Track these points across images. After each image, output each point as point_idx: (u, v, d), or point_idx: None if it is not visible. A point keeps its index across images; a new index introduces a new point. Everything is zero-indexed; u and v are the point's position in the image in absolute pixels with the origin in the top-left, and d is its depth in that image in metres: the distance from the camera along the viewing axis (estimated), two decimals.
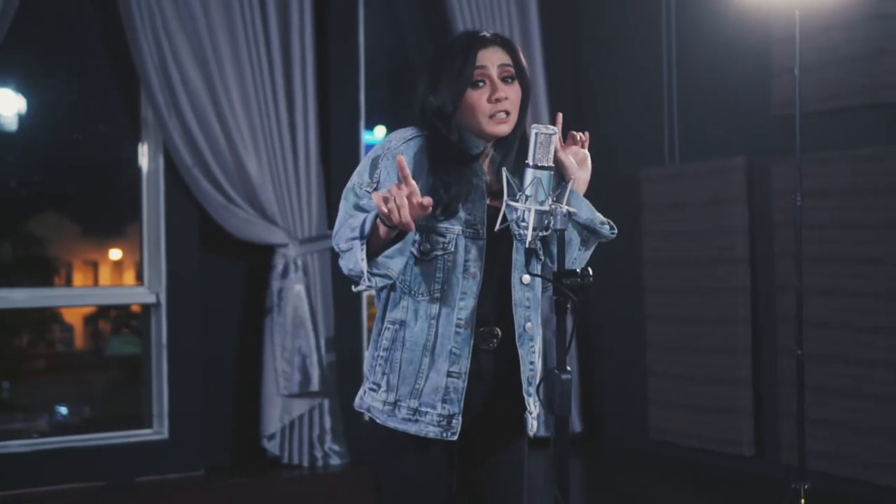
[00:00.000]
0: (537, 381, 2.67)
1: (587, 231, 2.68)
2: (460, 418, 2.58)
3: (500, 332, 2.63)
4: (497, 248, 2.61)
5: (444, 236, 2.58)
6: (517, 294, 2.63)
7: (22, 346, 6.74)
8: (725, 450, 5.99)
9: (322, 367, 6.14)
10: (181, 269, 6.08)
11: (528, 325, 2.64)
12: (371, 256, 2.49)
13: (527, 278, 2.63)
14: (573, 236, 2.66)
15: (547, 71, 6.86)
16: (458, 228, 2.58)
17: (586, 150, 2.75)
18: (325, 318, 6.25)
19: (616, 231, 2.72)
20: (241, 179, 6.03)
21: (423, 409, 2.58)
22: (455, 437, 2.59)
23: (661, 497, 5.76)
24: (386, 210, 2.38)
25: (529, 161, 2.51)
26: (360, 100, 6.57)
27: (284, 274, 6.12)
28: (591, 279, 2.50)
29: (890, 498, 5.17)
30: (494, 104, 2.60)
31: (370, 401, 2.64)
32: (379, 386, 2.62)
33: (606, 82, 6.90)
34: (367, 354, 2.73)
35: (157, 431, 6.09)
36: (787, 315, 5.63)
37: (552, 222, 2.50)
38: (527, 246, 2.52)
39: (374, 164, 2.64)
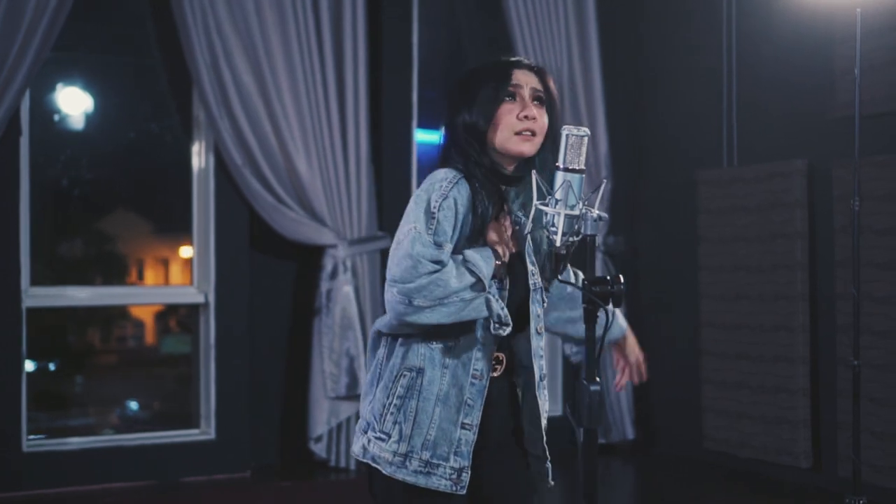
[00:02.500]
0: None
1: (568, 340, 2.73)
2: (469, 472, 2.53)
3: (504, 363, 2.62)
4: (520, 297, 2.57)
5: None
6: (535, 344, 2.58)
7: (93, 342, 6.78)
8: (781, 461, 5.83)
9: None
10: (230, 269, 6.06)
11: (543, 372, 2.60)
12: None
13: (541, 327, 2.59)
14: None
15: (604, 72, 6.75)
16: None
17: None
18: (373, 319, 6.19)
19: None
20: (291, 179, 6.00)
21: (436, 461, 2.51)
22: (464, 492, 2.53)
23: None
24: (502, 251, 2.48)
25: (560, 164, 2.43)
26: (413, 100, 6.50)
27: (333, 275, 6.07)
28: (623, 287, 2.40)
29: None
30: (522, 121, 2.57)
31: (377, 451, 2.53)
32: (388, 435, 2.52)
33: (665, 83, 6.77)
34: (370, 400, 2.59)
35: (205, 432, 6.08)
36: (847, 323, 5.47)
37: (582, 227, 2.41)
38: (554, 251, 2.44)
39: (430, 214, 2.47)
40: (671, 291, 6.43)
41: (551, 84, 2.65)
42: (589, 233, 2.39)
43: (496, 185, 2.59)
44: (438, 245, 2.44)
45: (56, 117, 6.16)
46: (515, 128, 2.57)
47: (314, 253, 6.11)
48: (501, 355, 2.59)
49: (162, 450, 5.94)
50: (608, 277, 2.41)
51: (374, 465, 2.54)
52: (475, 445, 2.54)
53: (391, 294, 2.44)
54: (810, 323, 5.74)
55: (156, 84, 6.34)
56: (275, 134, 5.95)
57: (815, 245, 5.75)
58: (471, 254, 2.47)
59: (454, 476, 2.52)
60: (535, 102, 2.60)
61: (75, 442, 5.84)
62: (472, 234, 2.52)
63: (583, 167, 2.44)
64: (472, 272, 2.45)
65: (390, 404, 2.53)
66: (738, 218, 6.07)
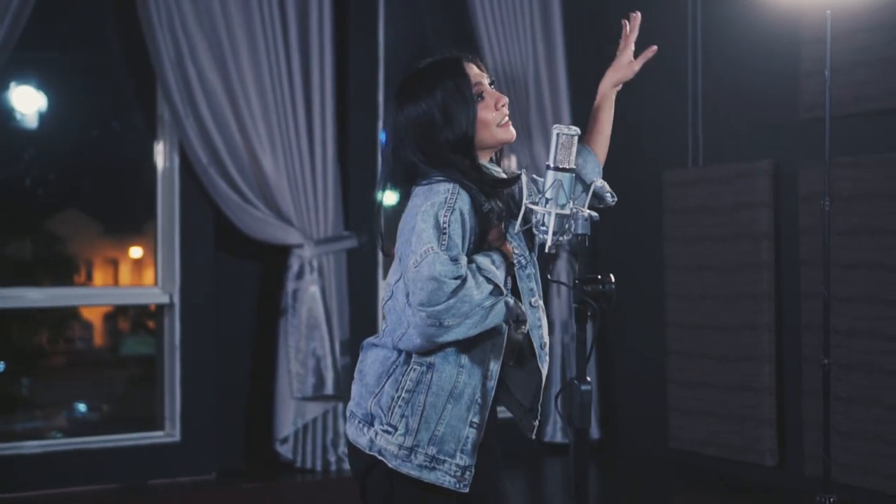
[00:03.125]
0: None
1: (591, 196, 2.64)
2: (473, 470, 2.53)
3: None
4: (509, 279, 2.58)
5: None
6: (530, 318, 2.57)
7: (41, 344, 6.69)
8: (747, 459, 5.87)
9: (337, 370, 6.06)
10: (195, 270, 6.01)
11: (545, 341, 2.62)
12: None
13: (535, 301, 2.59)
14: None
15: (570, 70, 6.76)
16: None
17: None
18: (339, 320, 6.17)
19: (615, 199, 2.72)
20: (257, 179, 5.95)
21: (442, 457, 2.51)
22: (467, 490, 2.53)
23: None
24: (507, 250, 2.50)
25: (550, 163, 2.43)
26: (379, 99, 6.47)
27: (299, 275, 6.03)
28: (613, 286, 2.41)
29: None
30: (500, 110, 2.62)
31: (383, 443, 2.52)
32: (395, 428, 2.51)
33: (630, 83, 6.76)
34: (376, 392, 2.56)
35: (170, 434, 6.02)
36: (812, 323, 5.52)
37: (573, 226, 2.40)
38: (545, 251, 2.44)
39: (441, 230, 2.44)
40: (637, 291, 6.45)
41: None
42: (580, 232, 2.39)
43: (492, 188, 2.56)
44: (454, 260, 2.41)
45: (14, 116, 6.08)
46: (497, 120, 2.61)
47: (280, 253, 6.07)
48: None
49: (126, 452, 5.87)
50: (599, 276, 2.41)
51: (379, 457, 2.52)
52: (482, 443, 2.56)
53: (420, 318, 2.39)
54: (775, 322, 5.78)
55: (117, 82, 6.27)
56: (240, 132, 5.90)
57: (780, 245, 5.80)
58: (482, 260, 2.46)
59: (458, 473, 2.51)
60: (493, 87, 2.66)
61: (34, 445, 5.75)
62: (479, 240, 2.52)
63: (573, 166, 2.44)
64: (488, 280, 2.44)
65: (399, 397, 2.52)
66: (704, 218, 6.11)
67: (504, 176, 2.62)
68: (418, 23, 6.98)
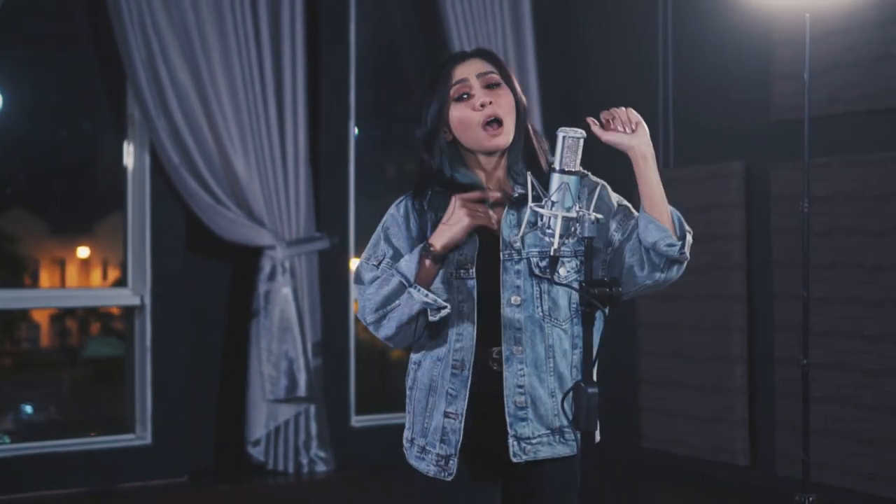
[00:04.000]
0: (542, 404, 2.55)
1: (652, 253, 2.58)
2: (456, 460, 2.54)
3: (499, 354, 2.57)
4: (488, 273, 2.54)
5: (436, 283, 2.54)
6: (505, 316, 2.53)
7: None
8: (719, 459, 5.91)
9: (309, 371, 6.02)
10: (166, 271, 5.95)
11: (517, 348, 2.53)
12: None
13: (516, 299, 2.53)
14: (630, 259, 2.58)
15: (540, 72, 6.77)
16: (448, 272, 2.53)
17: (635, 116, 2.74)
18: (312, 321, 6.13)
19: (685, 253, 2.63)
20: (229, 179, 5.90)
21: (428, 447, 2.59)
22: (451, 478, 2.55)
23: None
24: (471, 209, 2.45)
25: (556, 165, 2.41)
26: (351, 99, 6.45)
27: (271, 276, 5.99)
28: (620, 289, 2.40)
29: None
30: (481, 110, 2.53)
31: (415, 456, 2.65)
32: (406, 425, 2.68)
33: (601, 84, 6.81)
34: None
35: (141, 436, 5.95)
36: (784, 323, 5.56)
37: (579, 229, 2.39)
38: (551, 254, 2.41)
39: (377, 238, 2.63)
40: None
41: (503, 63, 2.62)
42: (587, 235, 2.38)
43: (452, 190, 2.56)
44: (376, 266, 2.58)
45: None
46: (479, 120, 2.53)
47: (252, 254, 6.02)
48: (498, 349, 2.54)
49: (96, 456, 5.80)
50: (606, 279, 2.40)
51: (418, 469, 2.64)
52: (466, 436, 2.53)
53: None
54: (748, 323, 5.82)
55: (86, 80, 6.19)
56: (212, 133, 5.85)
57: (752, 246, 5.84)
58: (400, 260, 2.54)
59: (441, 462, 2.56)
60: (490, 86, 2.56)
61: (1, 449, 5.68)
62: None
63: (580, 169, 2.43)
64: (395, 273, 2.51)
65: (406, 396, 2.67)
66: None
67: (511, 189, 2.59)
68: (390, 23, 6.96)
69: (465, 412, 2.53)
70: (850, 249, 5.26)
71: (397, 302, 2.49)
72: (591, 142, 2.52)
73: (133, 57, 5.66)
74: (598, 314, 2.38)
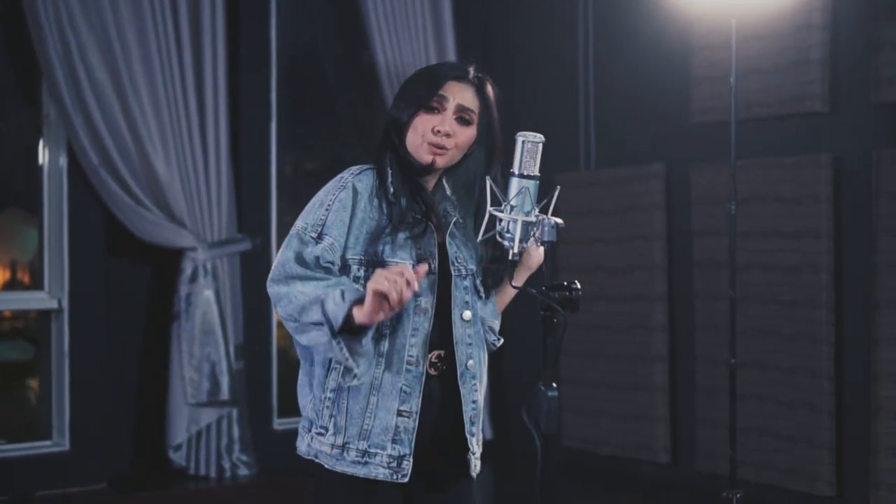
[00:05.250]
0: (480, 420, 2.62)
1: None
2: (411, 459, 2.50)
3: (443, 365, 2.56)
4: (443, 283, 2.55)
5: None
6: (458, 331, 2.56)
7: None
8: (641, 457, 6.00)
9: (231, 374, 5.96)
10: (85, 274, 5.82)
11: (471, 362, 2.57)
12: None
13: (468, 315, 2.57)
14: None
15: None
16: (407, 263, 2.48)
17: None
18: (234, 324, 6.07)
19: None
20: (149, 180, 5.81)
21: (373, 450, 2.50)
22: (405, 479, 2.51)
23: None
24: (385, 289, 2.27)
25: (515, 170, 2.44)
26: (272, 99, 6.39)
27: (193, 279, 5.91)
28: (580, 292, 2.43)
29: (807, 503, 5.24)
30: (435, 135, 2.54)
31: (318, 446, 2.53)
32: (326, 429, 2.52)
33: (522, 85, 6.86)
34: (306, 397, 2.58)
35: (58, 443, 5.82)
36: (704, 323, 5.67)
37: (538, 234, 2.41)
38: (510, 259, 2.44)
39: (321, 207, 2.51)
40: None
41: (491, 96, 2.63)
42: (547, 239, 2.40)
43: (410, 175, 2.57)
44: (318, 240, 2.46)
45: None
46: (428, 138, 2.54)
47: (173, 256, 5.93)
48: (439, 353, 2.55)
49: (11, 463, 5.66)
50: (565, 283, 2.43)
51: (317, 460, 2.53)
52: (418, 438, 2.51)
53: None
54: (669, 322, 5.92)
55: None
56: (131, 132, 5.75)
57: (673, 246, 5.93)
58: (342, 290, 2.37)
59: (393, 464, 2.50)
60: (461, 119, 2.57)
61: None
62: (383, 227, 2.50)
63: (538, 173, 2.45)
64: (321, 309, 2.37)
65: (326, 398, 2.52)
66: (597, 220, 6.21)
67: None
68: (311, 22, 6.91)
69: (419, 410, 2.50)
70: (767, 251, 5.38)
71: (316, 334, 2.40)
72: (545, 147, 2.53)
73: (49, 54, 5.54)
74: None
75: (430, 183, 2.62)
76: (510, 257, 2.43)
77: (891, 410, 4.84)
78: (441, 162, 2.56)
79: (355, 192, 2.51)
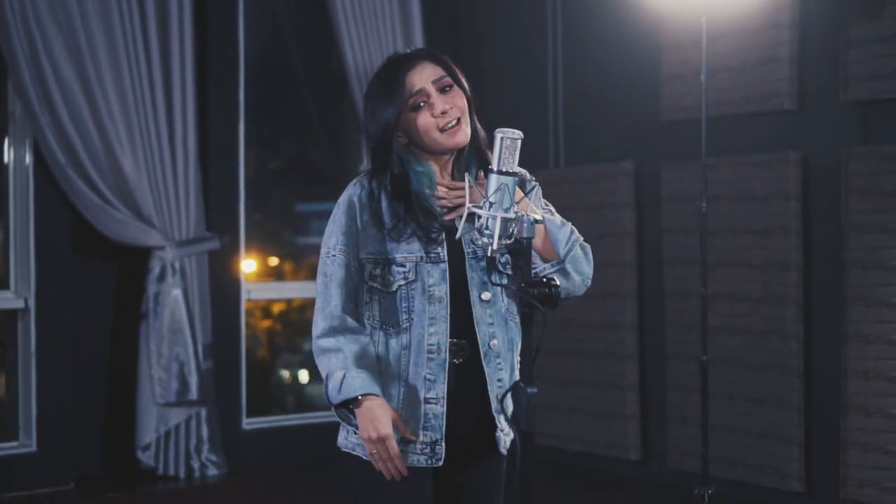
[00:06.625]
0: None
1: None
2: (443, 443, 2.55)
3: (468, 348, 2.58)
4: (456, 267, 2.58)
5: (404, 265, 2.56)
6: (477, 312, 2.58)
7: None
8: (612, 454, 6.01)
9: (200, 374, 5.92)
10: (52, 273, 5.77)
11: (494, 342, 2.59)
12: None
13: (486, 295, 2.58)
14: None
15: None
16: (416, 255, 2.55)
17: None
18: (202, 323, 6.03)
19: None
20: (117, 179, 5.77)
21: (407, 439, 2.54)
22: (440, 464, 2.56)
23: (547, 502, 5.73)
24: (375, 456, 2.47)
25: (494, 167, 2.42)
26: (240, 98, 6.35)
27: (161, 278, 5.87)
28: (559, 289, 2.42)
29: (777, 499, 5.25)
30: (441, 117, 2.57)
31: (355, 439, 2.56)
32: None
33: (490, 83, 6.84)
34: None
35: (25, 444, 5.76)
36: (675, 320, 5.69)
37: (518, 230, 2.40)
38: (489, 255, 2.43)
39: (335, 229, 2.60)
40: None
41: (449, 62, 2.65)
42: (525, 235, 2.39)
43: (405, 190, 2.59)
44: (337, 257, 2.56)
45: None
46: (438, 126, 2.57)
47: (141, 255, 5.89)
48: (461, 341, 2.57)
49: None
50: (544, 279, 2.42)
51: (353, 453, 2.57)
52: (448, 422, 2.55)
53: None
54: (639, 320, 5.93)
55: None
56: (98, 130, 5.70)
57: (642, 244, 5.95)
58: (354, 372, 2.50)
59: (427, 450, 2.55)
60: (444, 89, 2.60)
61: None
62: (386, 227, 2.56)
63: (517, 170, 2.44)
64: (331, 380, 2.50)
65: None
66: (567, 218, 6.18)
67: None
68: (279, 21, 6.88)
69: (446, 395, 2.54)
70: (736, 248, 5.40)
71: (327, 375, 2.52)
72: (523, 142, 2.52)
73: (15, 51, 5.48)
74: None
75: (448, 165, 2.65)
76: (489, 254, 2.41)
77: (860, 406, 4.88)
78: (465, 137, 2.60)
79: (350, 204, 2.57)
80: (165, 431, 5.90)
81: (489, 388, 2.58)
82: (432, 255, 2.55)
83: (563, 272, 2.62)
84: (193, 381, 5.87)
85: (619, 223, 5.95)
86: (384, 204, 2.57)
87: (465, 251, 2.58)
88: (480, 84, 6.73)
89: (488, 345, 2.58)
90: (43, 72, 5.54)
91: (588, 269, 2.70)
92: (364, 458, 2.54)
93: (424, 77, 2.59)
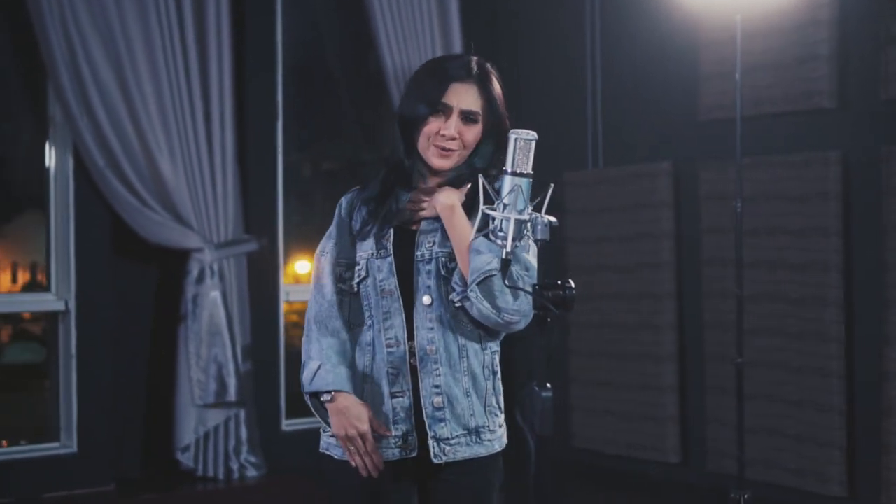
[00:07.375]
0: (456, 405, 2.60)
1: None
2: (415, 433, 2.57)
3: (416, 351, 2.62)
4: (405, 269, 2.61)
5: (359, 263, 2.64)
6: (418, 316, 2.59)
7: None
8: (651, 457, 5.96)
9: (239, 375, 5.94)
10: (91, 276, 5.82)
11: (431, 347, 2.58)
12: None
13: (426, 299, 2.58)
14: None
15: None
16: (368, 252, 2.63)
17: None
18: (241, 325, 6.05)
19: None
20: (155, 181, 5.80)
21: (377, 436, 2.57)
22: (415, 453, 2.58)
23: None
24: (343, 438, 2.55)
25: (508, 168, 2.40)
26: (278, 99, 6.38)
27: (200, 280, 5.90)
28: (574, 291, 2.39)
29: (818, 503, 5.19)
30: (442, 138, 2.61)
31: (328, 439, 2.65)
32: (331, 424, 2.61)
33: (529, 85, 6.82)
34: None
35: (66, 445, 5.81)
36: (714, 321, 5.63)
37: (532, 232, 2.38)
38: (504, 257, 2.40)
39: (330, 240, 2.73)
40: None
41: (495, 90, 2.65)
42: (540, 237, 2.37)
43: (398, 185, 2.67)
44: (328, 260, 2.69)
45: None
46: (434, 140, 2.61)
47: (180, 257, 5.92)
48: (412, 343, 2.60)
49: (19, 465, 5.65)
50: (559, 281, 2.39)
51: (327, 453, 2.65)
52: (417, 412, 2.57)
53: None
54: (677, 321, 5.87)
55: (4, 80, 6.04)
56: (137, 133, 5.73)
57: (681, 244, 5.89)
58: (325, 367, 2.59)
59: (400, 443, 2.58)
60: (467, 117, 2.62)
61: None
62: (357, 231, 2.67)
63: (531, 171, 2.42)
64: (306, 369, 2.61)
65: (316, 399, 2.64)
66: (605, 218, 6.17)
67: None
68: (317, 23, 6.90)
69: (411, 387, 2.57)
70: (774, 248, 5.33)
71: (304, 361, 2.64)
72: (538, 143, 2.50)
73: (55, 56, 5.53)
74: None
75: (436, 180, 2.67)
76: (504, 256, 2.39)
77: None
78: (448, 164, 2.63)
79: (340, 217, 2.71)
80: (204, 433, 5.92)
81: (421, 394, 2.58)
82: (381, 250, 2.61)
83: (467, 298, 2.53)
84: (232, 382, 5.90)
85: (657, 223, 5.90)
86: (363, 212, 2.66)
87: (415, 254, 2.60)
88: (519, 85, 6.75)
89: (425, 350, 2.58)
90: (82, 76, 5.59)
91: (506, 304, 2.52)
92: (336, 458, 2.60)
93: (462, 99, 2.62)
